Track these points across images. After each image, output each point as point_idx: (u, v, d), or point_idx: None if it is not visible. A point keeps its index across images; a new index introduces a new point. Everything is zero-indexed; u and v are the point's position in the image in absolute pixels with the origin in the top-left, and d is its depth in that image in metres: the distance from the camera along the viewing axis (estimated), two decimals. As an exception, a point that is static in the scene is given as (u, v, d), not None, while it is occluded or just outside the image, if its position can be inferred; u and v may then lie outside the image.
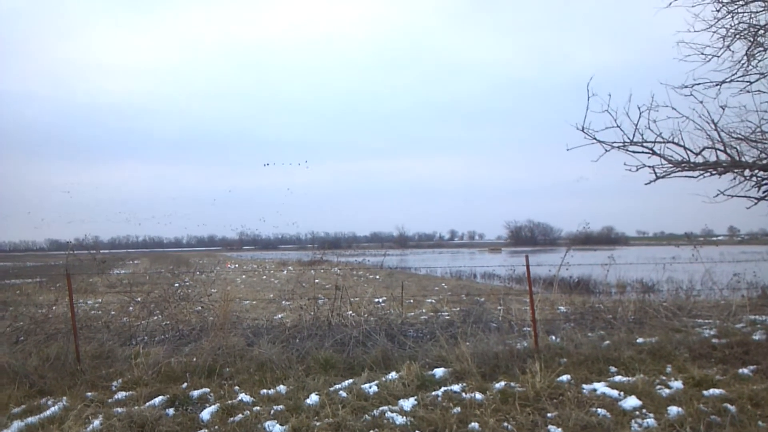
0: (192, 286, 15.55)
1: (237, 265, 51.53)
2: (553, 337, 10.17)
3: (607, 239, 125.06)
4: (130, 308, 14.19)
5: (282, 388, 7.94)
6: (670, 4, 10.99)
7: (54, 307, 11.98)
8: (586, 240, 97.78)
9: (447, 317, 12.61)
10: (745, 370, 8.00)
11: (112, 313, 14.50)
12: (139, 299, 14.13)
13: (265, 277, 35.05)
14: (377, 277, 30.52)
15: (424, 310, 15.40)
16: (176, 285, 17.38)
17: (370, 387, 7.75)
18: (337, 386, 7.94)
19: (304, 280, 24.30)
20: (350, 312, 11.59)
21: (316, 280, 23.71)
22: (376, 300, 14.60)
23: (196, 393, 7.81)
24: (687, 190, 10.73)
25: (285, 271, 38.47)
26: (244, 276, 35.66)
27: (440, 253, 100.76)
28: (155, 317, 12.46)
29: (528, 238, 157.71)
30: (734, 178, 10.30)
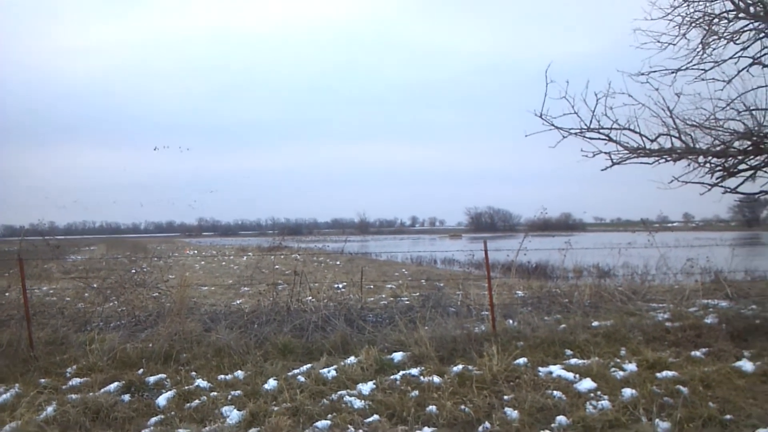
0: (149, 272, 15.34)
1: (196, 251, 50.98)
2: (511, 321, 10.27)
3: (565, 225, 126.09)
4: (86, 294, 13.96)
5: (240, 373, 7.90)
6: (628, -10, 11.10)
7: (6, 293, 11.73)
8: (545, 226, 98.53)
9: (407, 302, 12.65)
10: (698, 353, 8.20)
11: (67, 299, 14.26)
12: (95, 285, 13.89)
13: (224, 263, 34.77)
14: (338, 263, 30.51)
15: (383, 296, 15.44)
16: (133, 271, 17.14)
17: (329, 371, 7.75)
18: (296, 371, 7.92)
19: (263, 266, 24.18)
20: (310, 297, 11.57)
21: (276, 266, 23.60)
22: (336, 285, 14.59)
23: (152, 379, 7.71)
24: (643, 177, 10.91)
25: (245, 257, 38.19)
26: (203, 262, 35.29)
27: (401, 239, 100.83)
28: (111, 303, 12.28)
29: (488, 224, 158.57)
30: (688, 165, 10.48)
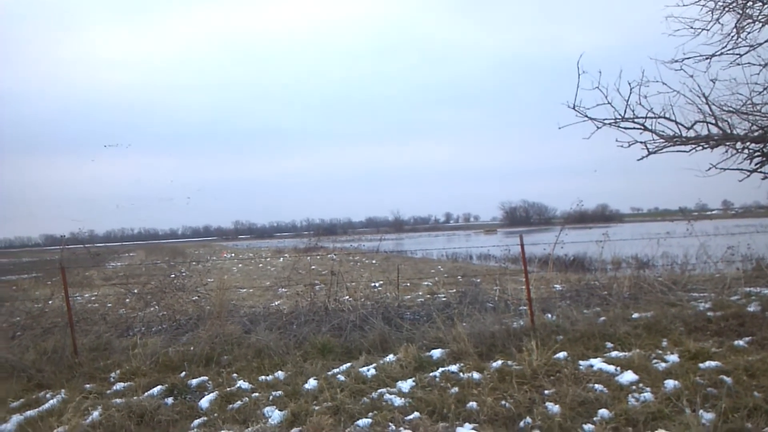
0: (188, 276, 15.52)
1: (233, 255, 51.49)
2: (549, 315, 10.18)
3: (602, 217, 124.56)
4: (127, 300, 14.18)
5: (280, 374, 7.96)
6: (659, -23, 10.93)
7: (50, 302, 11.98)
8: (581, 218, 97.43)
9: (443, 299, 12.64)
10: (741, 342, 8.04)
11: (109, 305, 14.49)
12: (135, 291, 14.12)
13: (261, 265, 35.04)
14: (374, 261, 30.59)
15: (420, 293, 15.41)
16: (172, 275, 17.36)
17: (368, 370, 7.77)
18: (335, 370, 7.96)
19: (300, 266, 24.36)
20: (347, 297, 11.61)
21: (313, 267, 23.75)
22: (373, 284, 14.63)
23: (194, 381, 7.82)
24: (680, 165, 10.77)
25: (281, 259, 38.47)
26: (240, 265, 35.64)
27: (436, 236, 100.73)
28: (152, 308, 12.45)
29: (523, 218, 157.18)
30: (726, 151, 10.33)
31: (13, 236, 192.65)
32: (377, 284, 14.96)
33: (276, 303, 13.98)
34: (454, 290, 14.00)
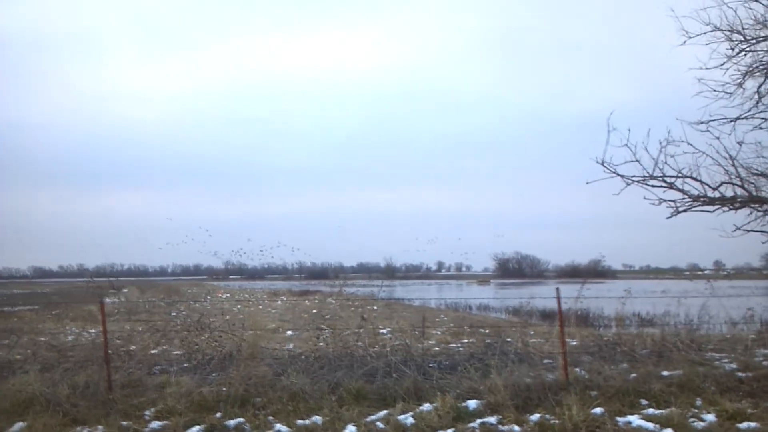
0: (208, 315, 15.51)
1: (228, 295, 51.19)
2: (578, 370, 10.18)
3: (595, 272, 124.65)
4: (137, 337, 14.11)
5: (317, 418, 7.93)
6: (685, 42, 11.22)
7: (75, 336, 11.94)
8: (574, 273, 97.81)
9: (460, 349, 12.63)
10: (776, 404, 8.07)
11: (118, 341, 14.43)
12: (140, 328, 14.10)
13: (261, 306, 34.88)
14: (375, 308, 30.47)
15: (433, 342, 15.40)
16: (173, 314, 17.34)
17: (406, 418, 7.76)
18: (372, 417, 7.95)
19: (302, 309, 24.34)
20: (362, 342, 11.55)
21: (314, 311, 23.73)
22: (382, 330, 14.63)
23: (231, 423, 7.81)
24: (700, 225, 10.94)
25: (279, 302, 38.35)
26: (239, 306, 35.43)
27: (429, 285, 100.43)
28: (168, 346, 12.38)
29: (515, 270, 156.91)
30: (750, 213, 10.51)
31: (1, 267, 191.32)
32: (386, 331, 14.97)
33: (290, 346, 13.93)
34: (467, 340, 14.00)
